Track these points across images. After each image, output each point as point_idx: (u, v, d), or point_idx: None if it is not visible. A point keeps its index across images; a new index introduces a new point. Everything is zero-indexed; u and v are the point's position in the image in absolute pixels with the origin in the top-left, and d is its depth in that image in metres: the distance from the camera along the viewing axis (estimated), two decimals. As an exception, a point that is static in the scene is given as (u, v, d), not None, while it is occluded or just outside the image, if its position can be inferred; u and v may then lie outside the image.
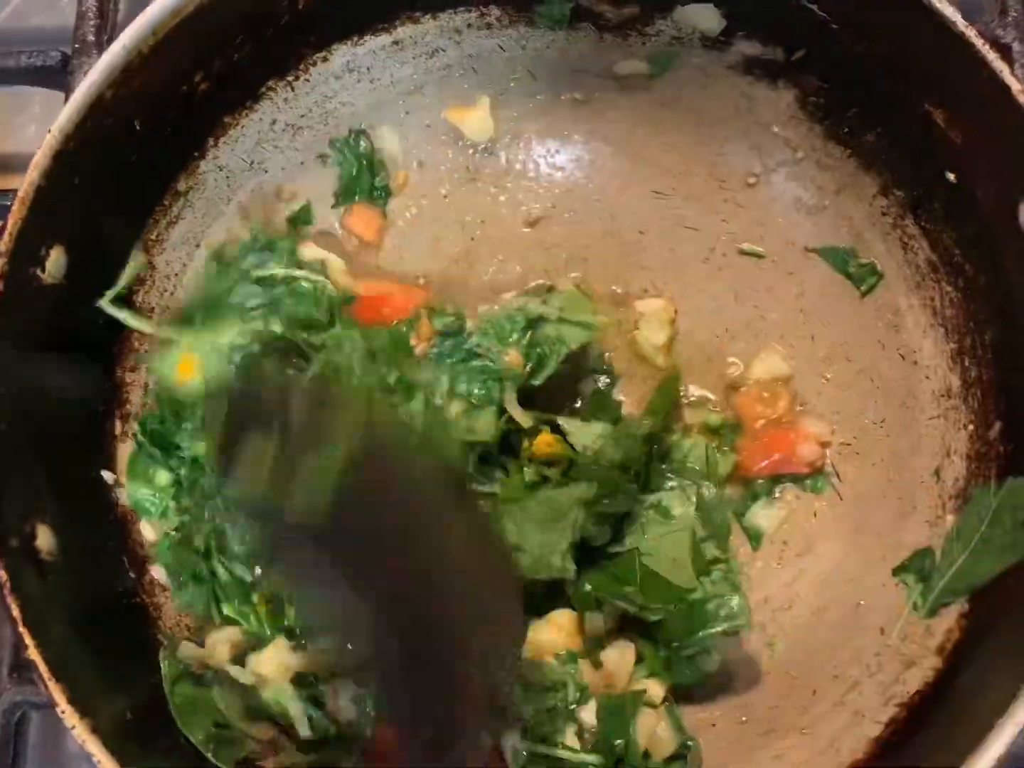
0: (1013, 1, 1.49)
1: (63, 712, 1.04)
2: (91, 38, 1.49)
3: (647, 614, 1.23)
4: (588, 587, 1.25)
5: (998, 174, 1.20)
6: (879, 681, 1.25)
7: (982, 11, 1.51)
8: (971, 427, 1.29)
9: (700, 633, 1.24)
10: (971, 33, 1.15)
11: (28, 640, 1.06)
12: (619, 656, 1.27)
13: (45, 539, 1.15)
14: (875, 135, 1.33)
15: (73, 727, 1.04)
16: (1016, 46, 1.46)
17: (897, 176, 1.33)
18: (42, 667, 1.05)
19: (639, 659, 1.27)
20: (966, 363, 1.30)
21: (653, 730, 1.24)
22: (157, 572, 1.30)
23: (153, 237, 1.34)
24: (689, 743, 1.25)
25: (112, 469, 1.30)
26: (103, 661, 1.17)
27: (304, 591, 1.09)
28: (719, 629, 1.23)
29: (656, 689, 1.25)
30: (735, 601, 1.23)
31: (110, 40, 1.44)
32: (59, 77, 1.49)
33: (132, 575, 1.28)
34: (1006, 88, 1.13)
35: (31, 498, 1.16)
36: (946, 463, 1.31)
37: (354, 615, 1.02)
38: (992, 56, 1.14)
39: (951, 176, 1.26)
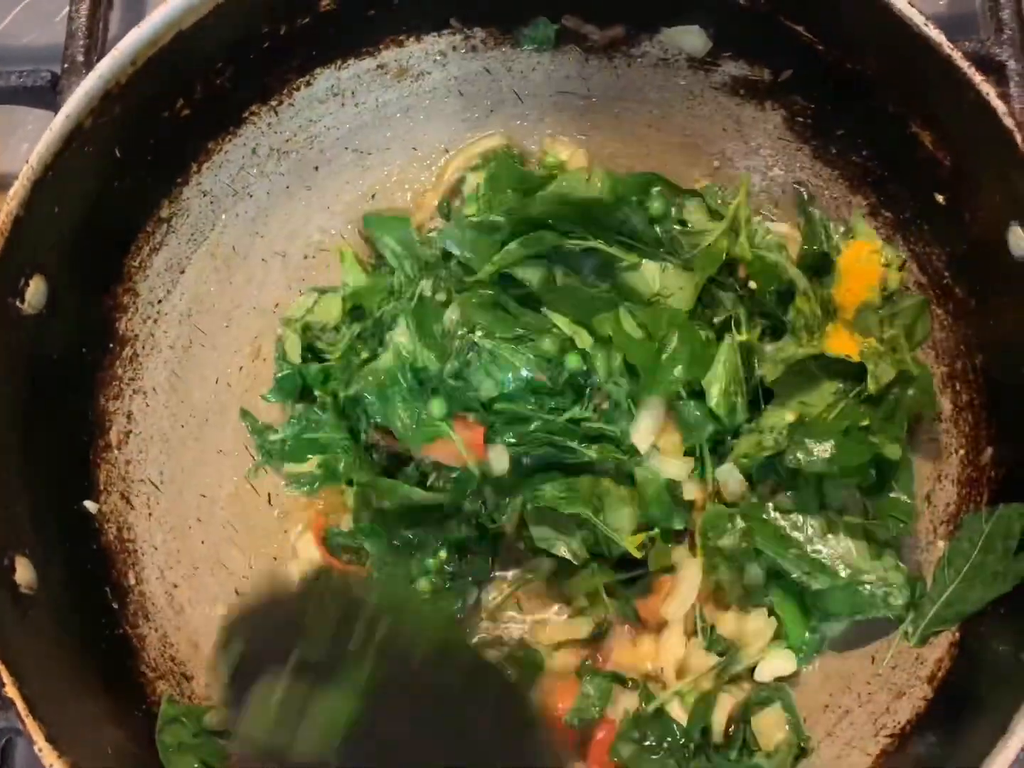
0: (1008, 19, 1.48)
1: (40, 750, 1.03)
2: (80, 58, 1.48)
3: (810, 580, 1.22)
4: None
5: (986, 196, 1.19)
6: (870, 711, 1.23)
7: (978, 29, 1.50)
8: (962, 452, 1.27)
9: (858, 615, 1.23)
10: (956, 55, 1.13)
11: (5, 677, 1.04)
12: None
13: (24, 572, 1.13)
14: (863, 156, 1.32)
15: (51, 765, 1.03)
16: (1011, 64, 1.45)
17: (885, 197, 1.32)
18: (19, 704, 1.04)
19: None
20: (957, 387, 1.29)
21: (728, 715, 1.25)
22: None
23: (136, 264, 1.33)
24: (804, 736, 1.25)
25: (94, 499, 1.29)
26: (84, 695, 1.16)
27: None
28: (880, 614, 1.23)
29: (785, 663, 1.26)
30: (902, 590, 1.22)
31: (100, 60, 1.44)
32: (49, 97, 1.49)
33: (115, 606, 1.27)
34: (992, 110, 1.12)
35: (10, 530, 1.15)
36: (937, 488, 1.29)
37: None
38: (978, 78, 1.13)
39: (940, 198, 1.24)
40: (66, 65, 1.48)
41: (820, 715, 1.26)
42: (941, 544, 1.26)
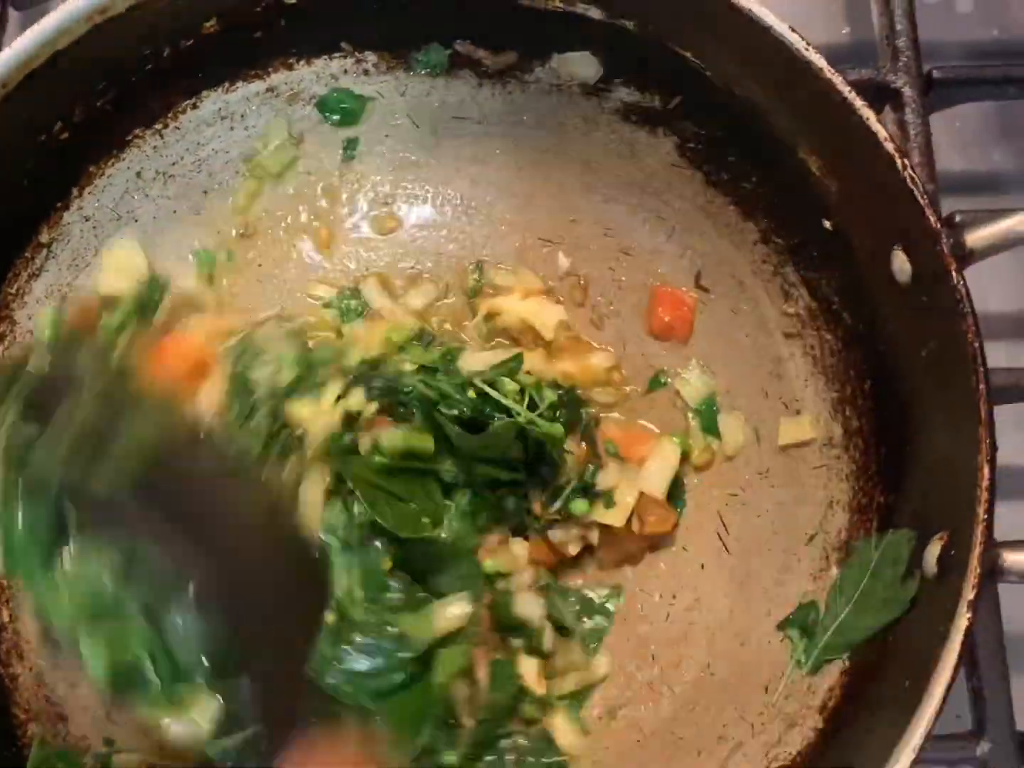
0: (904, 46, 1.50)
1: None
2: (-29, 75, 1.44)
3: None
4: None
5: (871, 222, 1.19)
6: (763, 742, 1.21)
7: (875, 57, 1.51)
8: (852, 478, 1.27)
9: None
10: (837, 80, 1.13)
11: None
12: None
13: None
14: (753, 182, 1.31)
15: (-98, 812, 0.99)
16: (907, 91, 1.46)
17: (777, 224, 1.32)
18: None
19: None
20: (847, 412, 1.28)
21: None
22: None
23: (13, 291, 1.29)
24: None
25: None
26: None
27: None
28: None
29: None
30: None
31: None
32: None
33: (-14, 644, 1.23)
34: (873, 135, 1.12)
35: None
36: (829, 514, 1.28)
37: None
38: (859, 102, 1.12)
39: (827, 224, 1.24)
40: (-46, 90, 1.45)
41: (714, 746, 1.24)
42: (835, 571, 1.25)
